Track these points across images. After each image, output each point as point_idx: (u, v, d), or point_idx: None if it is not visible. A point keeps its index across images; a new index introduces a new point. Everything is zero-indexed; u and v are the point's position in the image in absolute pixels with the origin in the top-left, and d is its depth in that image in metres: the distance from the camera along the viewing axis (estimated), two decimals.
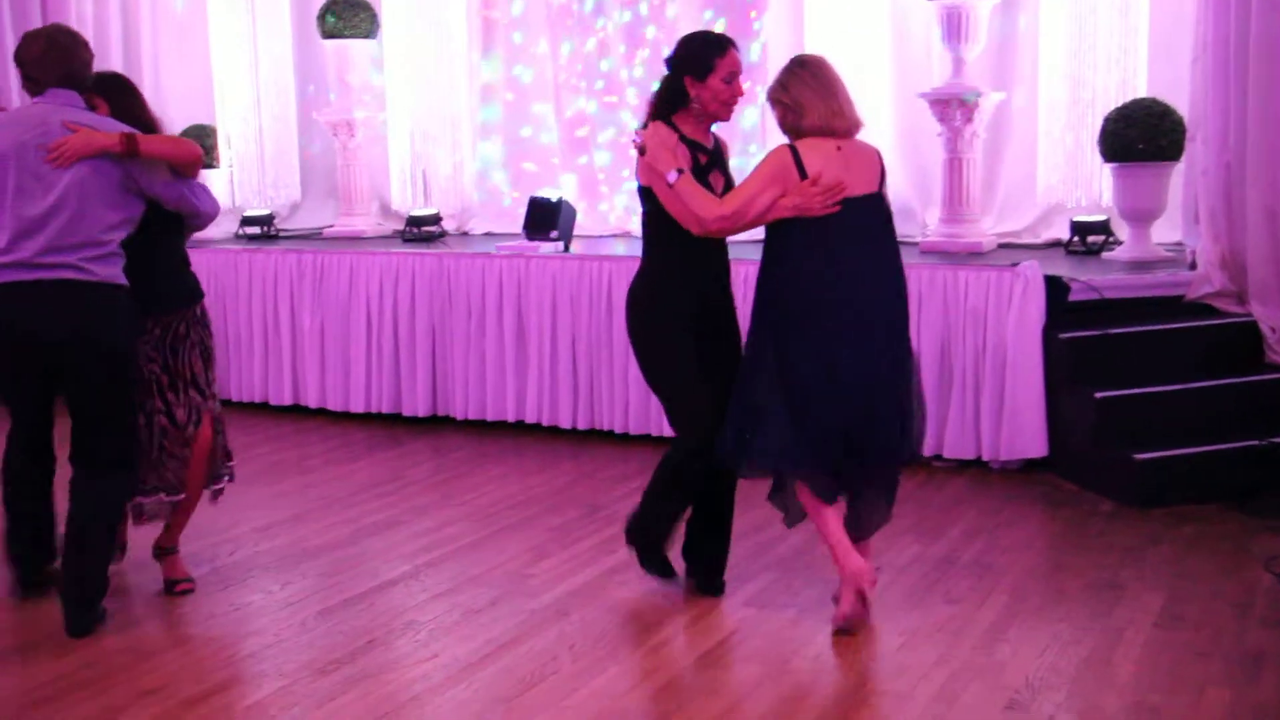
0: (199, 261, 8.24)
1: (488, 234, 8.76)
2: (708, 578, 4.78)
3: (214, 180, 8.93)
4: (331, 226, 8.90)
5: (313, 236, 8.89)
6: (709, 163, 4.52)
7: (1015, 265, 6.13)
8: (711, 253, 4.55)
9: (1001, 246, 7.26)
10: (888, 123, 7.74)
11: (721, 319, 4.66)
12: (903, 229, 7.69)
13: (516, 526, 5.59)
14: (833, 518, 4.41)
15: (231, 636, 4.48)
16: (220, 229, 8.97)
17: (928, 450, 6.30)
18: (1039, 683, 3.91)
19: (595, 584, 4.89)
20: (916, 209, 7.78)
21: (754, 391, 4.36)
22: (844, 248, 4.27)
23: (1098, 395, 5.77)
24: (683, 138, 4.45)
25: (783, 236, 4.30)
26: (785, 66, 4.45)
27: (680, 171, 4.35)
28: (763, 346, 4.37)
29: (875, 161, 4.39)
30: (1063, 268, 6.46)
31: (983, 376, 6.17)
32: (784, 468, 4.41)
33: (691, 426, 4.52)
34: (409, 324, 7.47)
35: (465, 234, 8.86)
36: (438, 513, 5.82)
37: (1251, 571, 4.80)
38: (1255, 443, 5.62)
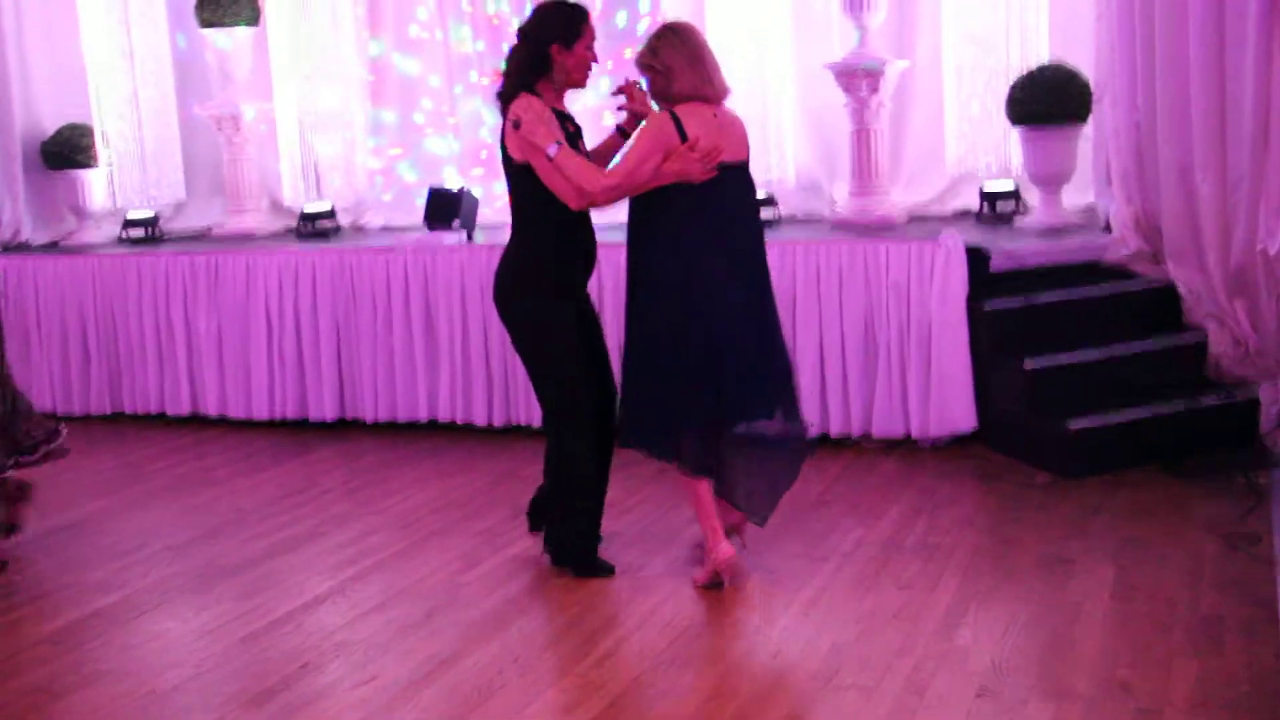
0: (80, 267, 8.05)
1: (385, 228, 8.44)
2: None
3: (93, 181, 8.54)
4: (221, 225, 8.52)
5: (200, 237, 8.51)
6: (575, 132, 4.54)
7: (937, 237, 6.04)
8: (585, 230, 4.58)
9: (912, 219, 7.18)
10: (791, 96, 7.60)
11: (587, 298, 4.73)
12: (810, 205, 7.69)
13: (442, 532, 5.37)
14: (709, 493, 4.53)
15: (149, 670, 4.20)
16: (102, 232, 8.60)
17: (856, 430, 6.21)
18: (1006, 666, 3.81)
19: (532, 589, 4.71)
20: (824, 183, 7.66)
21: (654, 364, 4.41)
22: (722, 213, 4.39)
23: (1027, 365, 5.70)
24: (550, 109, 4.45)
25: (661, 205, 4.35)
26: (654, 32, 4.52)
27: (559, 144, 4.31)
28: (653, 318, 4.41)
29: (743, 130, 4.54)
30: (976, 237, 6.39)
31: (908, 352, 6.07)
32: (695, 432, 4.48)
33: (581, 415, 4.58)
34: (311, 324, 7.17)
35: (361, 228, 8.54)
36: (357, 522, 5.57)
37: (1194, 536, 4.77)
38: (1185, 406, 5.61)
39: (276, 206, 8.77)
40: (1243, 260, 5.82)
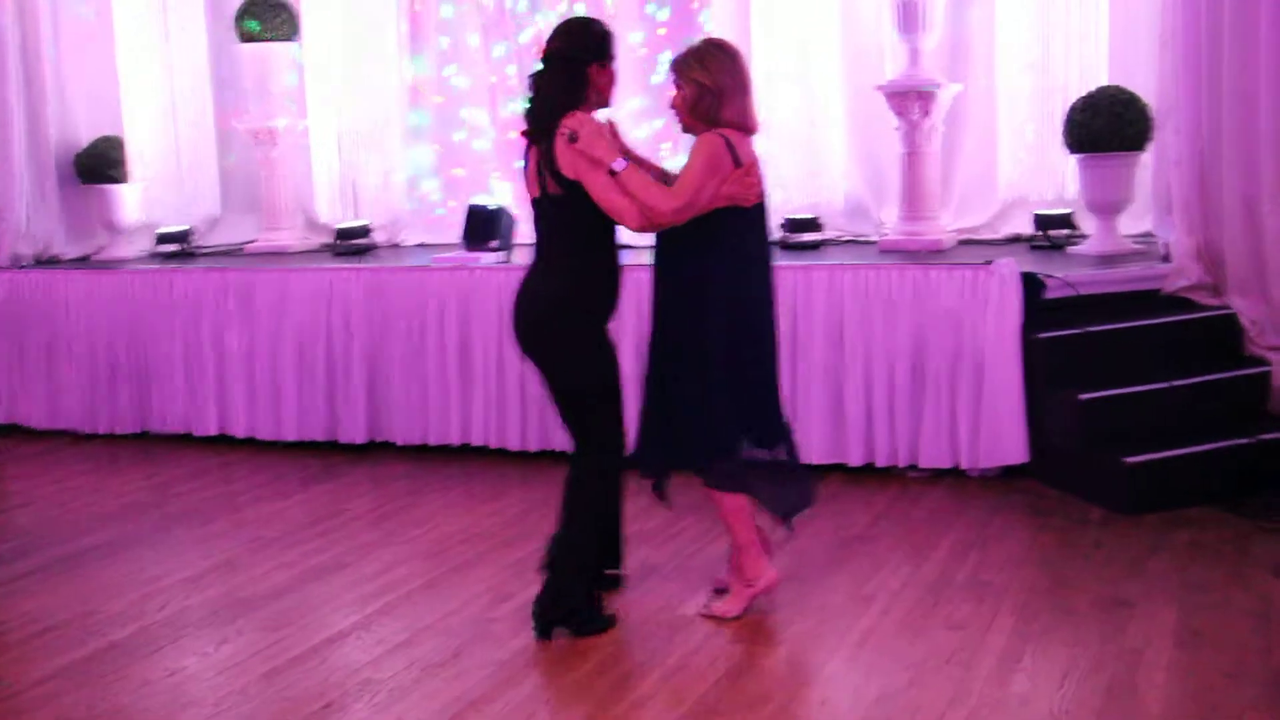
0: (109, 282, 7.94)
1: (421, 245, 8.32)
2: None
3: (126, 195, 8.44)
4: (254, 242, 8.41)
5: (234, 253, 8.40)
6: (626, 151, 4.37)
7: (989, 263, 5.83)
8: (616, 253, 4.40)
9: (961, 243, 6.97)
10: (839, 116, 7.45)
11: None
12: (857, 228, 7.51)
13: (471, 564, 5.18)
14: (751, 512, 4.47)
15: (166, 708, 4.01)
16: (136, 247, 8.51)
17: (903, 460, 6.00)
18: (1065, 717, 3.59)
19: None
20: (871, 207, 7.48)
21: (722, 378, 4.30)
22: (761, 240, 4.37)
23: (1081, 397, 5.48)
24: None
25: (717, 225, 4.23)
26: (698, 46, 4.37)
27: (626, 159, 4.16)
28: (704, 334, 4.27)
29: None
30: (1029, 264, 6.18)
31: (958, 380, 5.86)
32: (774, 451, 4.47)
33: (617, 440, 4.42)
34: (343, 344, 7.02)
35: (397, 246, 8.42)
36: (383, 552, 5.39)
37: (1260, 578, 4.53)
38: (1246, 441, 5.37)
39: (312, 223, 8.68)
40: None
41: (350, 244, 8.07)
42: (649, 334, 4.48)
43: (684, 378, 4.35)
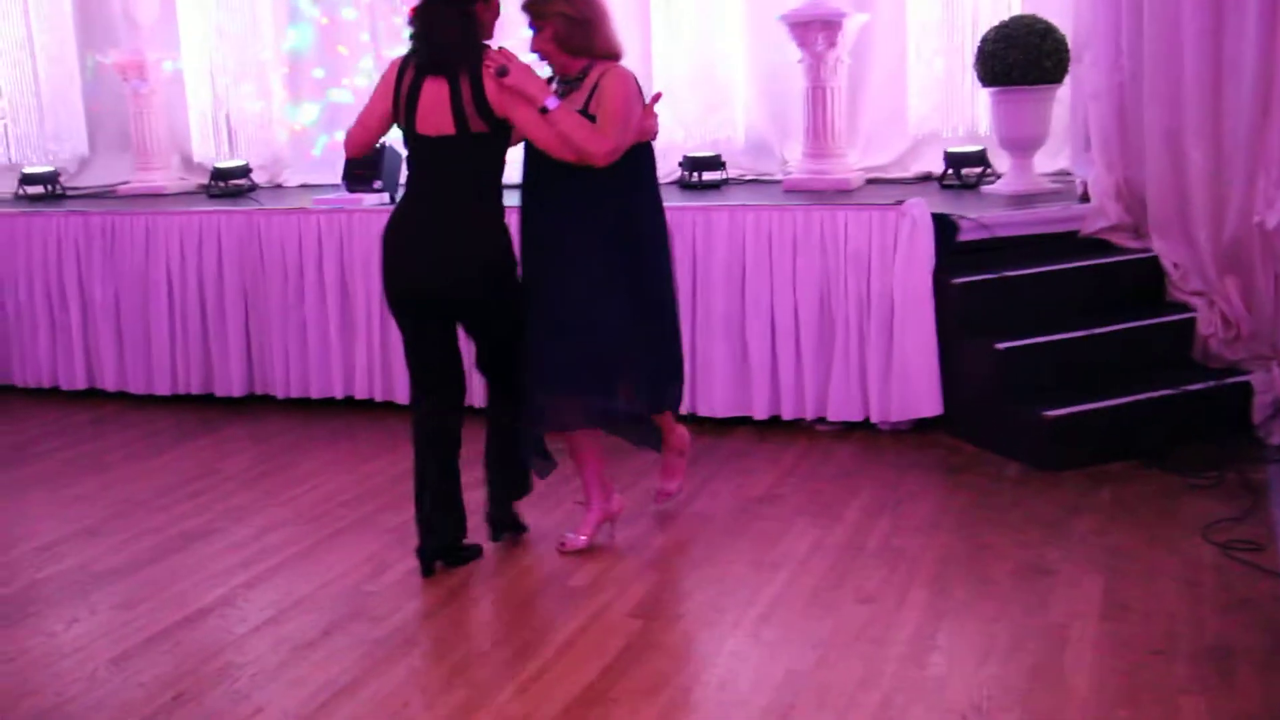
0: None
1: (303, 186, 7.83)
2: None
3: None
4: (127, 183, 7.86)
5: (105, 195, 7.84)
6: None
7: (900, 203, 5.51)
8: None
9: (869, 182, 6.66)
10: (740, 50, 7.08)
11: None
12: (760, 167, 7.16)
13: (352, 529, 4.80)
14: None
15: (3, 698, 3.61)
16: None
17: (810, 412, 5.71)
18: (987, 703, 3.31)
19: (447, 600, 4.15)
20: (775, 144, 7.14)
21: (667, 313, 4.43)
22: (654, 174, 4.34)
23: (998, 346, 5.20)
24: None
25: (634, 161, 4.17)
26: None
27: (558, 97, 3.98)
28: (619, 270, 4.21)
29: None
30: (941, 204, 5.89)
31: (867, 329, 5.55)
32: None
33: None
34: (217, 292, 6.55)
35: (279, 187, 7.93)
36: (257, 516, 4.99)
37: (1189, 542, 4.29)
38: (1170, 391, 5.14)
39: (188, 163, 8.16)
40: (1237, 234, 5.36)
41: (228, 185, 7.58)
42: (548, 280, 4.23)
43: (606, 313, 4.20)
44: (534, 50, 4.18)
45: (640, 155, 4.21)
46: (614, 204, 4.15)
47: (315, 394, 6.47)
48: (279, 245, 6.43)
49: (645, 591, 4.12)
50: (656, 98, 4.27)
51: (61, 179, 8.00)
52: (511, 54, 4.04)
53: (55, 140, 8.31)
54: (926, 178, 6.85)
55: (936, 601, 3.92)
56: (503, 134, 4.06)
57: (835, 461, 5.32)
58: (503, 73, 3.96)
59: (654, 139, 4.25)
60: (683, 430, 4.75)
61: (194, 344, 6.61)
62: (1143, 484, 4.83)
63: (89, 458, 5.92)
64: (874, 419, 5.60)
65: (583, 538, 4.43)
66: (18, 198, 7.82)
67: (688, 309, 5.72)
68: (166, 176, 7.86)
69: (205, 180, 7.76)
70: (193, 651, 3.84)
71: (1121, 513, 4.57)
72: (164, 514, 5.06)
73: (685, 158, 6.94)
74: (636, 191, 4.23)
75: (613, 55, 4.17)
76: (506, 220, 4.17)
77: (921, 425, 5.56)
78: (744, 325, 5.73)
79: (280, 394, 6.54)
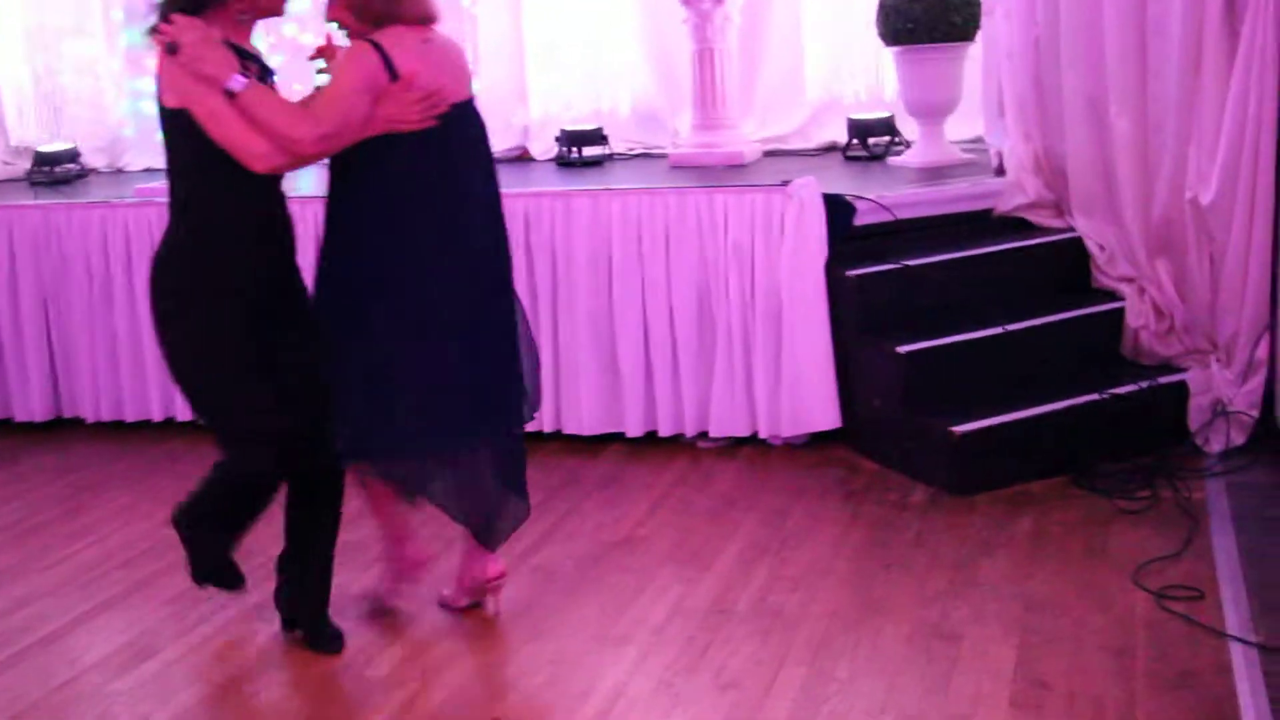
0: None
1: (149, 170, 6.91)
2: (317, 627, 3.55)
3: None
4: None
5: None
6: (260, 75, 3.26)
7: (785, 184, 4.73)
8: (271, 196, 3.31)
9: (768, 154, 5.88)
10: (627, 9, 6.25)
11: (288, 288, 3.40)
12: (650, 139, 6.35)
13: (122, 599, 3.96)
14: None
15: None
16: None
17: (690, 428, 4.93)
18: None
19: (212, 700, 3.33)
20: (665, 115, 6.33)
21: (353, 367, 3.37)
22: (447, 168, 3.33)
23: (900, 350, 4.44)
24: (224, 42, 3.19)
25: (364, 161, 3.27)
26: None
27: (246, 77, 3.11)
28: (349, 309, 3.35)
29: (464, 59, 3.51)
30: (843, 181, 5.12)
31: (753, 330, 4.77)
32: (429, 445, 3.45)
33: (254, 441, 3.31)
34: (9, 301, 5.66)
35: (120, 171, 7.01)
36: (15, 583, 4.12)
37: (1120, 589, 3.55)
38: (1095, 396, 4.40)
39: (14, 148, 7.23)
40: (1167, 212, 4.63)
41: (55, 171, 6.68)
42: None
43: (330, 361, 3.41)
44: (330, 20, 3.36)
45: (384, 151, 3.27)
46: (336, 221, 3.38)
47: (130, 416, 5.61)
48: (82, 243, 5.55)
49: (458, 683, 3.32)
50: (410, 78, 3.24)
51: None
52: (193, 24, 3.12)
53: None
54: (831, 148, 6.07)
55: (814, 685, 3.15)
56: (183, 126, 3.15)
57: (715, 488, 4.54)
58: (171, 49, 3.10)
59: (412, 128, 3.25)
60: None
61: None
62: (1067, 509, 4.10)
63: None
64: (763, 434, 4.83)
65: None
66: None
67: (547, 309, 4.94)
68: None
69: (33, 167, 6.85)
70: None
71: (1042, 550, 3.83)
72: None
73: (562, 132, 6.15)
74: (361, 199, 3.33)
75: (404, 19, 3.28)
76: (213, 235, 3.24)
77: (818, 439, 4.81)
78: (613, 329, 4.93)
79: (90, 417, 5.67)
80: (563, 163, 6.08)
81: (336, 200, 3.36)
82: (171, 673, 3.48)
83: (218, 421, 3.38)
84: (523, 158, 6.39)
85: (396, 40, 3.23)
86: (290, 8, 3.38)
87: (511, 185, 5.36)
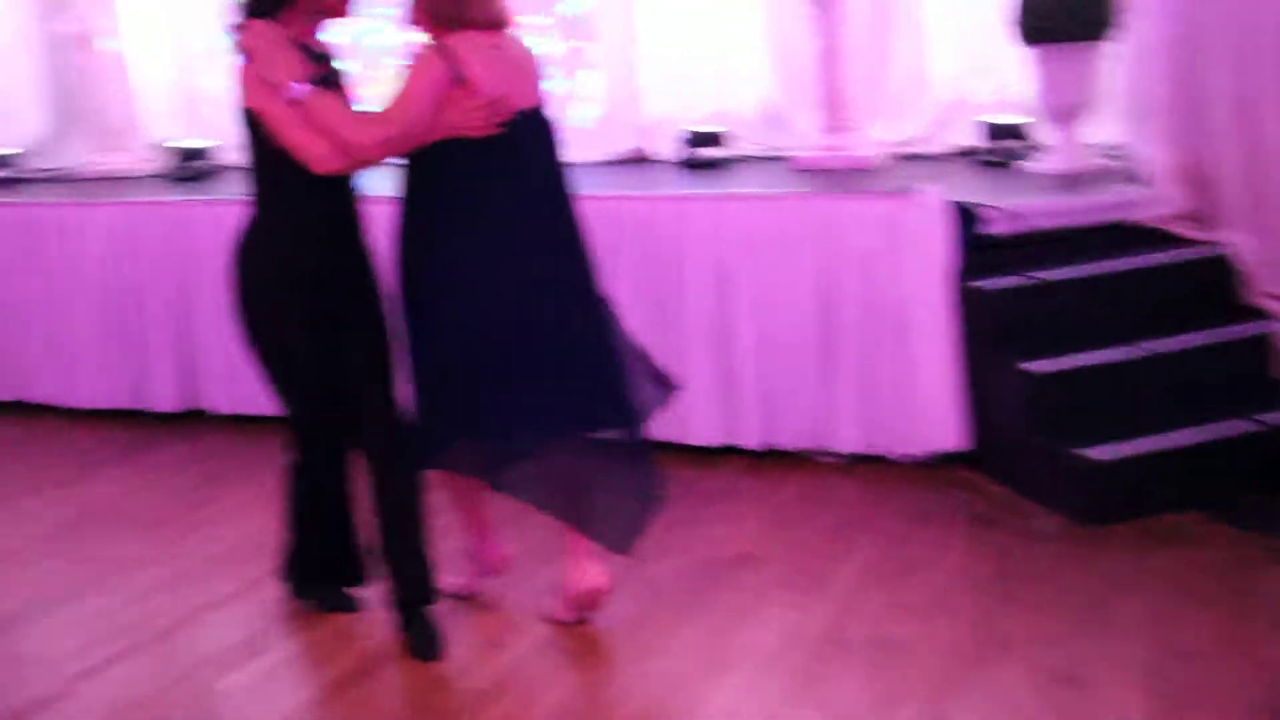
0: None
1: None
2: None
3: None
4: (90, 165, 7.09)
5: (64, 179, 7.08)
6: (328, 76, 3.37)
7: (909, 191, 4.57)
8: (340, 195, 3.41)
9: (896, 159, 5.71)
10: (752, 5, 6.13)
11: (355, 285, 3.50)
12: (774, 142, 6.21)
13: (235, 598, 3.97)
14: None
15: None
16: None
17: (809, 441, 4.80)
18: None
19: (303, 711, 3.33)
20: (792, 117, 6.19)
21: (424, 363, 3.46)
22: (512, 175, 3.37)
23: (1028, 368, 4.26)
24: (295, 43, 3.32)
25: (430, 164, 3.35)
26: None
27: (310, 84, 3.21)
28: (420, 307, 3.45)
29: (535, 65, 3.49)
30: (973, 188, 4.93)
31: (876, 341, 4.62)
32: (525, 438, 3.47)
33: (302, 430, 3.62)
34: (145, 296, 5.76)
35: None
36: (144, 572, 4.19)
37: (1267, 644, 3.31)
38: (1243, 423, 4.16)
39: (157, 144, 7.38)
40: None
41: (191, 167, 6.81)
42: None
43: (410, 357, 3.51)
44: (409, 23, 3.44)
45: (437, 158, 3.35)
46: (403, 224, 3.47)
47: (258, 411, 5.66)
48: (215, 239, 5.61)
49: (557, 700, 3.25)
50: (475, 84, 3.31)
51: (22, 160, 7.26)
52: (265, 30, 3.25)
53: (6, 118, 7.56)
54: (961, 153, 5.88)
55: None
56: (257, 125, 3.30)
57: (834, 508, 4.40)
58: (245, 54, 3.25)
59: (476, 134, 3.30)
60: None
61: (124, 352, 5.83)
62: (1210, 548, 3.86)
63: (17, 481, 5.17)
64: (885, 451, 4.68)
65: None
66: None
67: (663, 315, 4.84)
68: (129, 158, 7.09)
69: (174, 163, 7.00)
70: None
71: (1182, 592, 3.61)
72: (33, 568, 4.29)
73: (683, 132, 6.06)
74: (427, 204, 3.40)
75: (492, 25, 3.37)
76: (284, 228, 3.39)
77: (943, 459, 4.62)
78: (730, 339, 4.82)
79: (221, 409, 5.74)
80: (683, 164, 5.99)
81: (405, 201, 3.42)
82: (278, 673, 3.50)
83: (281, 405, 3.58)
84: (642, 159, 6.31)
85: (466, 46, 3.28)
86: (358, 9, 3.44)
87: (629, 187, 5.34)
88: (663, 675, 3.34)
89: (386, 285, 3.52)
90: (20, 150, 7.35)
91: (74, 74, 7.30)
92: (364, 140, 3.23)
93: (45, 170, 7.30)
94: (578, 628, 3.62)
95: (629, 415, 3.54)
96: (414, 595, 3.53)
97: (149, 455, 5.46)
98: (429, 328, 3.42)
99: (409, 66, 3.33)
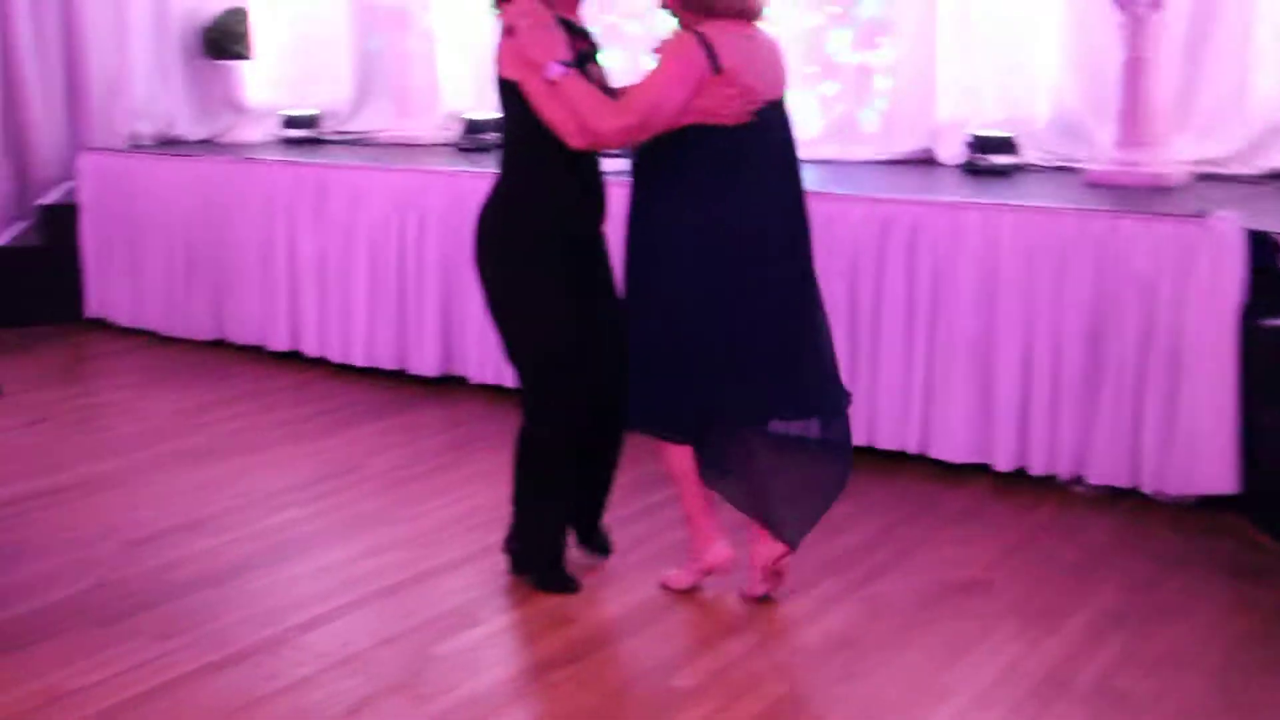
0: (187, 170, 6.70)
1: None
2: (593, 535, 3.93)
3: (249, 74, 7.63)
4: (387, 131, 7.38)
5: (361, 143, 7.41)
6: (587, 52, 3.48)
7: (1202, 214, 4.24)
8: (587, 168, 3.57)
9: (1200, 179, 5.33)
10: (1053, 7, 5.83)
11: (595, 256, 3.71)
12: (1067, 151, 5.90)
13: (461, 565, 4.03)
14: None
15: None
16: (263, 130, 7.64)
17: (1064, 468, 4.53)
18: None
19: (511, 685, 3.35)
20: (1091, 127, 5.85)
21: (660, 343, 3.51)
22: (756, 164, 3.42)
23: None
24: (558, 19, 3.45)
25: (673, 148, 3.40)
26: None
27: (565, 65, 3.30)
28: (645, 285, 3.52)
29: (781, 57, 3.54)
30: (1273, 217, 4.54)
31: (1148, 372, 4.32)
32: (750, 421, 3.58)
33: (559, 402, 3.63)
34: (416, 261, 5.94)
35: None
36: (373, 531, 4.31)
37: None
38: None
39: (453, 114, 7.61)
40: None
41: (479, 138, 6.99)
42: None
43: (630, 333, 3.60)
44: (662, 7, 3.48)
45: (686, 141, 3.39)
46: (638, 196, 3.52)
47: (510, 381, 5.76)
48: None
49: (759, 710, 3.15)
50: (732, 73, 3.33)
51: (324, 123, 7.63)
52: (533, 6, 3.39)
53: (320, 84, 7.93)
54: (1275, 176, 5.43)
55: None
56: (513, 95, 3.47)
57: (1082, 540, 4.14)
58: (508, 30, 3.38)
59: (728, 121, 3.36)
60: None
61: (390, 315, 6.04)
62: None
63: (248, 434, 5.38)
64: (1146, 487, 4.37)
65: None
66: (281, 141, 7.50)
67: (923, 323, 4.67)
68: (426, 126, 7.33)
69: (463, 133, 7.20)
70: (191, 712, 3.17)
71: None
72: (278, 516, 4.47)
73: (971, 136, 5.82)
74: (673, 186, 3.43)
75: (731, 13, 3.38)
76: (537, 198, 3.55)
77: (1209, 503, 4.29)
78: (991, 353, 4.60)
79: (474, 377, 5.87)
80: (969, 169, 5.76)
81: (642, 181, 3.48)
82: (484, 645, 3.51)
83: (527, 372, 3.66)
84: (928, 161, 6.09)
85: (721, 34, 3.33)
86: None
87: (906, 191, 5.17)
88: (868, 698, 3.20)
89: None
90: (318, 112, 7.70)
91: (383, 44, 7.61)
92: (604, 128, 3.33)
93: (343, 133, 7.64)
94: (790, 638, 3.52)
95: (839, 408, 3.59)
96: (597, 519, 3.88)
97: (405, 416, 5.63)
98: (653, 304, 3.48)
99: (662, 50, 3.37)
